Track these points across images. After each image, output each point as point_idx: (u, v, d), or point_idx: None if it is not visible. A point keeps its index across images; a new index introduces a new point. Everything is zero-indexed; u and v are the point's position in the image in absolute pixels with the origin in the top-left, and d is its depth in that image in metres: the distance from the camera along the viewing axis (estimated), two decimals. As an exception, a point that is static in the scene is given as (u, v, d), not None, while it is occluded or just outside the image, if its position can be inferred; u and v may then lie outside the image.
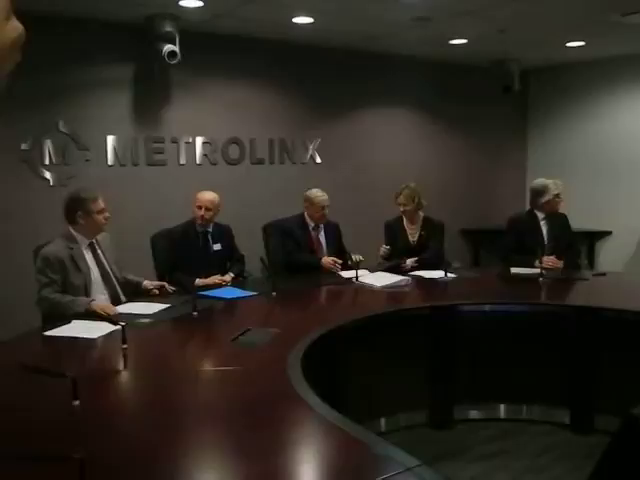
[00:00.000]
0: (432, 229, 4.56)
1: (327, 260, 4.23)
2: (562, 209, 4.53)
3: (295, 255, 4.32)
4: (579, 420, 3.40)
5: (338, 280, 3.98)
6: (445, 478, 1.46)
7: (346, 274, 4.10)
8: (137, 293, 3.46)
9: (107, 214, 3.30)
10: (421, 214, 4.55)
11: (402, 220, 4.55)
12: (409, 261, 4.35)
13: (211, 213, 3.96)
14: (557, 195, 4.39)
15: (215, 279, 3.82)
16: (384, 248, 4.42)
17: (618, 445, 1.17)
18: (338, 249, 4.50)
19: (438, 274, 4.05)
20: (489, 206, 7.23)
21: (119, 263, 3.46)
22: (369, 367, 3.20)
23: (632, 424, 1.13)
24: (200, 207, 3.94)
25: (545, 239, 4.36)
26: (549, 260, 4.16)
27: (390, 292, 3.67)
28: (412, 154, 6.66)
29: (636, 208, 6.60)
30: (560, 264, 4.23)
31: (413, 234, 4.53)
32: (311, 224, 4.41)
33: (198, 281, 3.76)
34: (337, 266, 4.21)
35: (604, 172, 6.85)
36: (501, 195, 7.34)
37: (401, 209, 4.46)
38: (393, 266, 4.25)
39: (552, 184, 4.42)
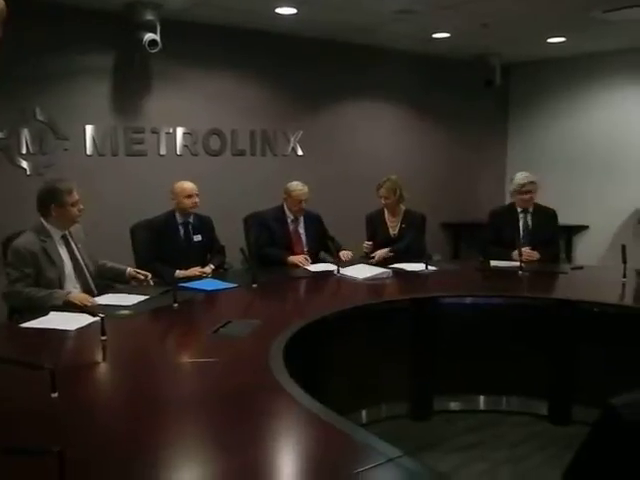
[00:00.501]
0: (412, 222, 4.56)
1: (293, 259, 4.20)
2: (545, 203, 4.47)
3: (265, 249, 4.32)
4: (557, 411, 3.42)
5: (314, 273, 3.96)
6: (428, 468, 1.46)
7: (314, 268, 4.07)
8: (120, 281, 3.42)
9: (81, 206, 3.23)
10: (402, 207, 4.56)
11: (383, 213, 4.57)
12: (381, 252, 4.31)
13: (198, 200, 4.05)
14: (522, 186, 4.33)
15: (195, 271, 3.82)
16: (367, 244, 4.41)
17: (597, 434, 1.18)
18: (321, 239, 4.48)
19: (419, 267, 4.06)
20: (469, 200, 7.26)
21: (93, 256, 3.39)
22: (351, 359, 3.19)
23: (611, 413, 1.15)
24: (190, 196, 3.95)
25: (521, 232, 4.36)
26: (524, 252, 4.15)
27: (371, 284, 3.67)
28: (395, 147, 6.66)
29: (611, 203, 6.67)
30: (536, 256, 4.22)
31: (394, 227, 4.54)
32: (290, 216, 4.40)
33: (178, 272, 3.75)
34: (305, 261, 4.18)
35: (580, 167, 6.90)
36: (481, 189, 7.38)
37: (382, 201, 4.48)
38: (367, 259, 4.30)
39: (519, 176, 4.41)
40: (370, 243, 4.40)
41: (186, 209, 3.98)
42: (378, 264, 4.11)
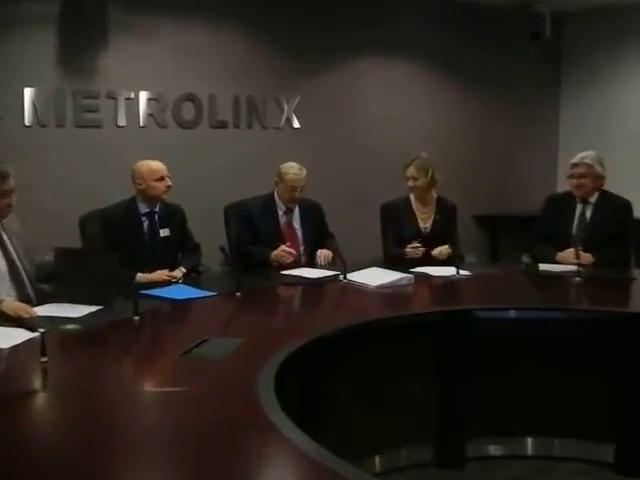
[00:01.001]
0: (448, 214, 4.55)
1: (274, 255, 4.17)
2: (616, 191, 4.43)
3: (247, 248, 4.31)
4: (626, 458, 3.36)
5: (313, 279, 3.94)
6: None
7: (313, 273, 4.04)
8: None
9: (13, 199, 3.15)
10: (434, 194, 4.54)
11: (409, 201, 4.53)
12: (443, 249, 4.23)
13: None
14: (572, 167, 4.25)
15: (162, 274, 3.78)
16: (414, 247, 4.23)
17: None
18: (319, 235, 4.47)
19: (448, 271, 4.01)
20: (511, 186, 7.18)
21: (30, 254, 3.33)
22: (360, 389, 3.16)
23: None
24: (162, 178, 3.93)
25: (574, 227, 4.29)
26: (566, 255, 4.08)
27: (388, 293, 3.63)
28: (416, 118, 6.61)
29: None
30: (587, 259, 4.09)
31: (425, 219, 4.50)
32: (282, 207, 4.39)
33: (140, 276, 3.70)
34: (288, 256, 4.15)
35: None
36: (526, 172, 7.29)
37: (410, 184, 4.43)
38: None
39: (583, 154, 4.32)
40: (419, 245, 4.26)
41: (158, 196, 3.96)
42: (394, 266, 4.01)
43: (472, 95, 6.94)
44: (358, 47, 6.21)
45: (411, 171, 4.41)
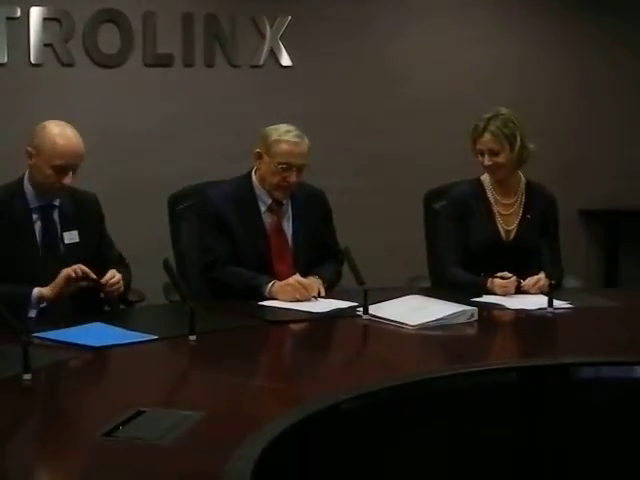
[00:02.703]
0: (546, 210, 4.33)
1: (281, 288, 3.98)
2: None
3: (225, 269, 4.11)
4: None
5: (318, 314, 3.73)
6: None
7: (317, 305, 3.88)
8: None
9: None
10: (522, 177, 4.33)
11: (482, 188, 4.33)
12: (534, 281, 4.03)
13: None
14: None
15: (82, 270, 3.58)
16: (504, 278, 4.05)
17: None
18: (321, 247, 4.28)
19: (535, 302, 3.86)
20: (636, 169, 6.99)
21: None
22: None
23: None
24: (63, 169, 3.73)
25: None
26: None
27: (436, 338, 3.55)
28: (480, 55, 6.43)
29: None
30: None
31: (508, 217, 4.29)
32: (266, 199, 4.18)
33: (39, 292, 3.60)
34: (309, 289, 3.98)
35: None
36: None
37: (486, 162, 4.16)
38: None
39: None
40: (512, 276, 4.03)
41: (44, 189, 3.80)
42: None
43: (575, 22, 6.80)
44: None
45: (486, 140, 4.14)
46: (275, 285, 3.98)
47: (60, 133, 3.78)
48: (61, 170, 3.74)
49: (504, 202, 4.24)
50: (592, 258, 6.92)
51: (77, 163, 3.75)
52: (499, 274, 4.02)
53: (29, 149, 3.78)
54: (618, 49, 7.00)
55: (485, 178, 4.26)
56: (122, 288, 3.72)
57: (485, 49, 6.51)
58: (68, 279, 3.59)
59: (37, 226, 3.85)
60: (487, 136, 4.10)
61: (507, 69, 6.59)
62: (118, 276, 3.72)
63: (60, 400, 2.92)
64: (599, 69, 6.87)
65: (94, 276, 3.61)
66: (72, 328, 3.44)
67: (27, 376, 2.85)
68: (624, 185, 6.92)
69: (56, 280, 3.59)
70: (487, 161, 4.12)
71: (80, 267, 3.60)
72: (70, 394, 2.99)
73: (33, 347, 2.93)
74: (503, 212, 4.23)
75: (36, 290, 3.60)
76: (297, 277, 4.01)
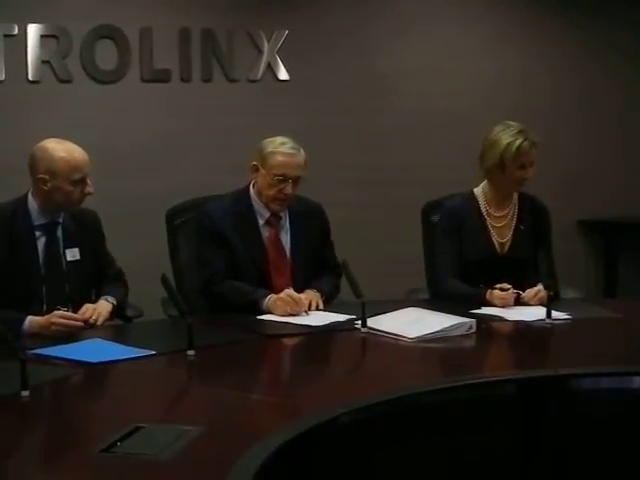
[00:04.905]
0: (538, 221, 4.33)
1: (274, 302, 3.98)
2: None
3: (224, 284, 4.13)
4: None
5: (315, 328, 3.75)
6: None
7: (315, 319, 3.89)
8: None
9: None
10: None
11: (475, 201, 4.32)
12: (535, 292, 4.05)
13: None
14: None
15: (70, 316, 3.63)
16: (503, 290, 4.06)
17: None
18: (317, 261, 4.30)
19: (533, 313, 3.89)
20: (636, 180, 6.99)
21: None
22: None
23: None
24: (83, 180, 3.78)
25: None
26: None
27: (434, 349, 3.57)
28: (478, 68, 6.46)
29: None
30: None
31: (502, 230, 4.28)
32: (263, 212, 4.19)
33: (31, 321, 3.58)
34: (300, 303, 3.98)
35: None
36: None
37: (528, 174, 4.16)
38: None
39: None
40: (510, 287, 4.05)
41: (72, 205, 3.82)
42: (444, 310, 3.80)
43: (576, 34, 6.81)
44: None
45: (532, 153, 4.15)
46: (271, 299, 3.98)
47: (65, 149, 3.84)
48: (81, 182, 3.79)
49: (497, 215, 4.26)
50: (591, 269, 6.96)
51: (89, 170, 3.80)
52: (498, 285, 4.02)
53: (41, 176, 3.78)
54: (619, 62, 7.04)
55: (478, 191, 4.29)
56: (100, 318, 3.76)
57: (485, 62, 6.55)
58: (65, 326, 3.64)
59: (40, 243, 3.86)
60: (531, 148, 4.14)
61: (507, 81, 6.61)
62: (90, 309, 3.77)
63: (58, 416, 2.90)
64: (599, 81, 6.91)
65: (76, 323, 3.68)
66: (70, 344, 3.44)
67: (25, 393, 2.84)
68: (623, 196, 6.92)
69: (46, 318, 3.62)
70: (529, 173, 4.17)
71: (63, 315, 3.67)
72: (68, 410, 2.97)
73: (31, 364, 2.93)
74: (496, 224, 4.23)
75: (30, 319, 3.65)
76: (288, 291, 4.01)
